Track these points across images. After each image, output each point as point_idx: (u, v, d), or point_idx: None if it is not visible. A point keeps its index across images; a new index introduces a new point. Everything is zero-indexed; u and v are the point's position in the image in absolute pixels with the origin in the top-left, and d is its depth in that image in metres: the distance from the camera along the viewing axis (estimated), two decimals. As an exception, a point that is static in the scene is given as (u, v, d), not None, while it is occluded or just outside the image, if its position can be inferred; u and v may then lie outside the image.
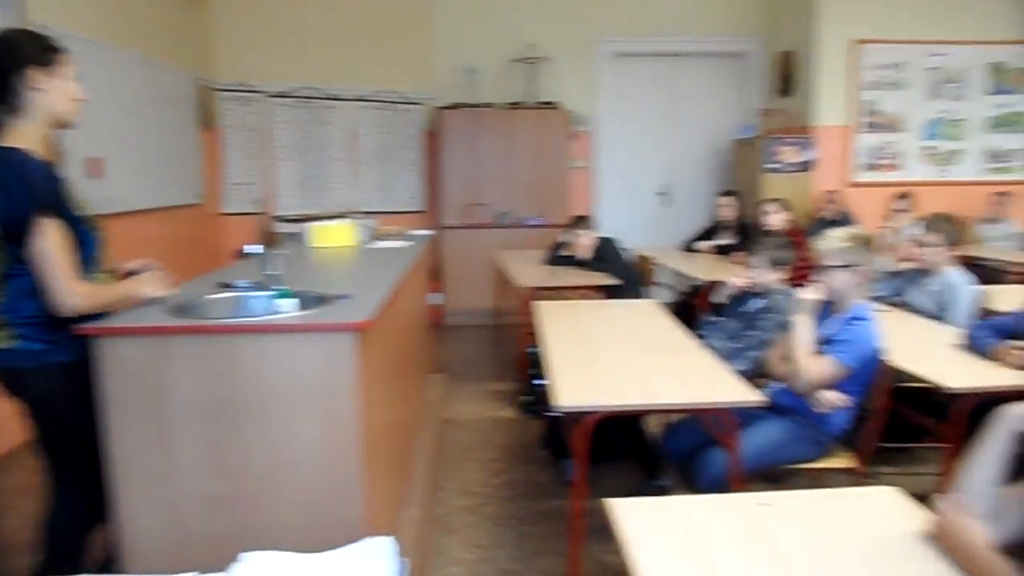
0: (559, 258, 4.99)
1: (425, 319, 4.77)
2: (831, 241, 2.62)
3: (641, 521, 1.49)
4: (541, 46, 6.89)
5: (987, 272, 5.60)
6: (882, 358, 2.59)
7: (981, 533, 1.30)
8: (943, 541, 1.36)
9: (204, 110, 6.21)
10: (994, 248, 5.91)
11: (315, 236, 3.73)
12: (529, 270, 4.90)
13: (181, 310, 2.00)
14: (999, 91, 6.61)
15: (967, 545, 1.30)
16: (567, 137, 6.89)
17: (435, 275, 6.67)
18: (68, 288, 1.84)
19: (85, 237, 1.96)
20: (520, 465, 3.68)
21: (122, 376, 1.81)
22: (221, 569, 1.55)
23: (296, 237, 3.98)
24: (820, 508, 1.57)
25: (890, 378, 2.65)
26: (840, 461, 2.69)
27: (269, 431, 1.85)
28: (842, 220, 5.77)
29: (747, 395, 2.25)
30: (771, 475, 2.78)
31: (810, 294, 2.61)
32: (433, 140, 6.92)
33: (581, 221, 4.90)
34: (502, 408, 4.51)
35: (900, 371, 2.71)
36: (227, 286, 2.43)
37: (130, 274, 2.17)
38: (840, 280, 2.57)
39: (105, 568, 1.99)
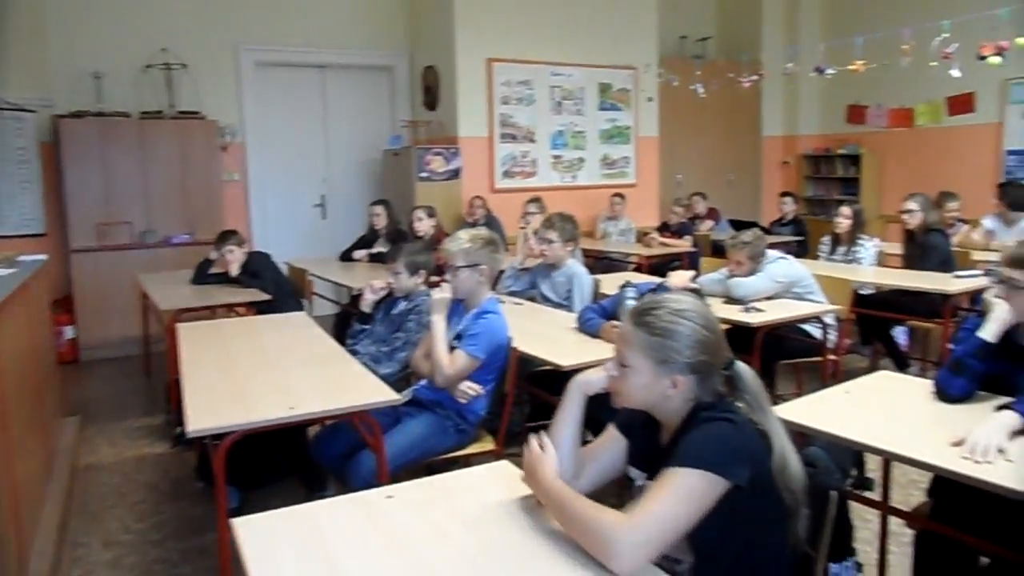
0: (208, 276, 4.71)
1: (51, 357, 4.20)
2: (455, 243, 2.81)
3: (264, 537, 1.46)
4: (178, 52, 6.44)
5: (610, 262, 6.48)
6: (511, 346, 2.84)
7: (551, 465, 1.50)
8: (527, 478, 1.54)
9: None
10: (614, 242, 6.85)
11: None
12: (175, 292, 4.55)
13: None
14: (607, 108, 7.66)
15: (539, 476, 1.49)
16: (216, 148, 6.53)
17: (66, 306, 5.90)
18: None
19: None
20: (171, 503, 3.40)
21: None
22: None
23: None
24: (440, 490, 1.67)
25: (518, 363, 2.92)
26: (484, 445, 2.90)
27: None
28: (488, 223, 6.25)
29: (384, 396, 2.32)
30: (428, 467, 2.90)
31: (441, 294, 2.78)
32: (53, 153, 6.10)
33: (229, 236, 4.67)
34: (152, 444, 4.13)
35: (531, 357, 3.00)
36: None
37: None
38: (465, 278, 2.77)
39: None
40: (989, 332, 2.10)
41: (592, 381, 1.60)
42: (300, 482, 3.24)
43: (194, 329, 3.40)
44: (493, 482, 1.70)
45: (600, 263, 6.51)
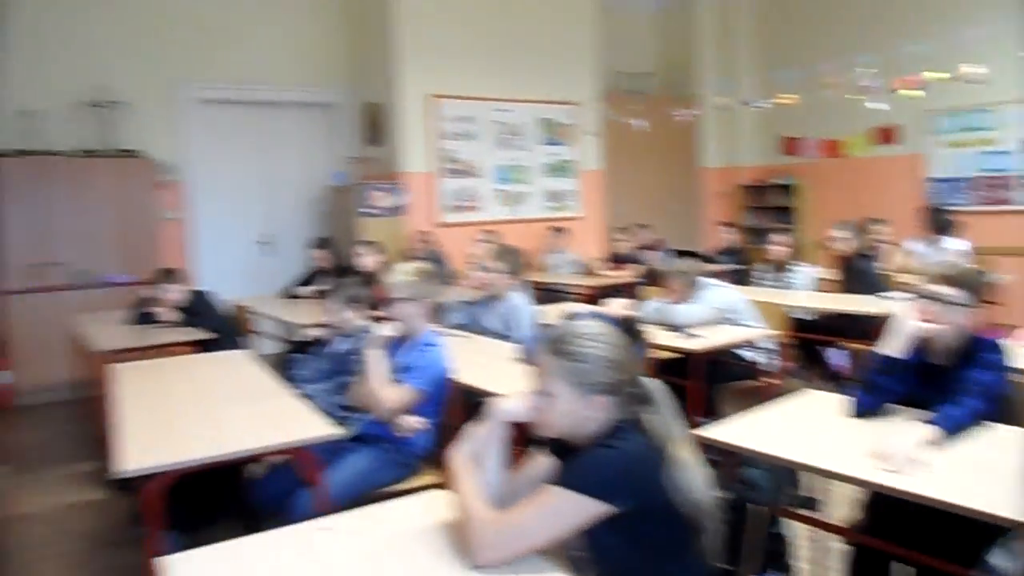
0: (144, 316, 4.62)
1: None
2: (397, 275, 2.84)
3: (194, 573, 1.44)
4: (116, 89, 6.36)
5: (552, 294, 6.55)
6: (452, 378, 2.86)
7: (470, 475, 1.55)
8: (452, 485, 1.58)
9: None
10: (556, 274, 6.94)
11: None
12: (111, 332, 4.45)
13: None
14: (550, 143, 7.81)
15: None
16: (153, 187, 6.44)
17: (0, 350, 5.72)
18: None
19: None
20: (109, 550, 3.29)
21: None
22: None
23: None
24: (376, 520, 1.68)
25: (462, 395, 2.94)
26: (429, 478, 2.89)
27: None
28: (433, 258, 6.28)
29: (324, 431, 2.32)
30: (372, 499, 2.88)
31: (380, 327, 2.79)
32: (-15, 194, 5.94)
33: (168, 275, 4.60)
34: (88, 491, 4.00)
35: (473, 388, 3.02)
36: None
37: None
38: (407, 311, 2.80)
39: None
40: (890, 347, 2.19)
41: (511, 411, 1.64)
42: (241, 525, 3.18)
43: (129, 369, 3.34)
44: (427, 511, 1.71)
45: (546, 294, 6.57)
